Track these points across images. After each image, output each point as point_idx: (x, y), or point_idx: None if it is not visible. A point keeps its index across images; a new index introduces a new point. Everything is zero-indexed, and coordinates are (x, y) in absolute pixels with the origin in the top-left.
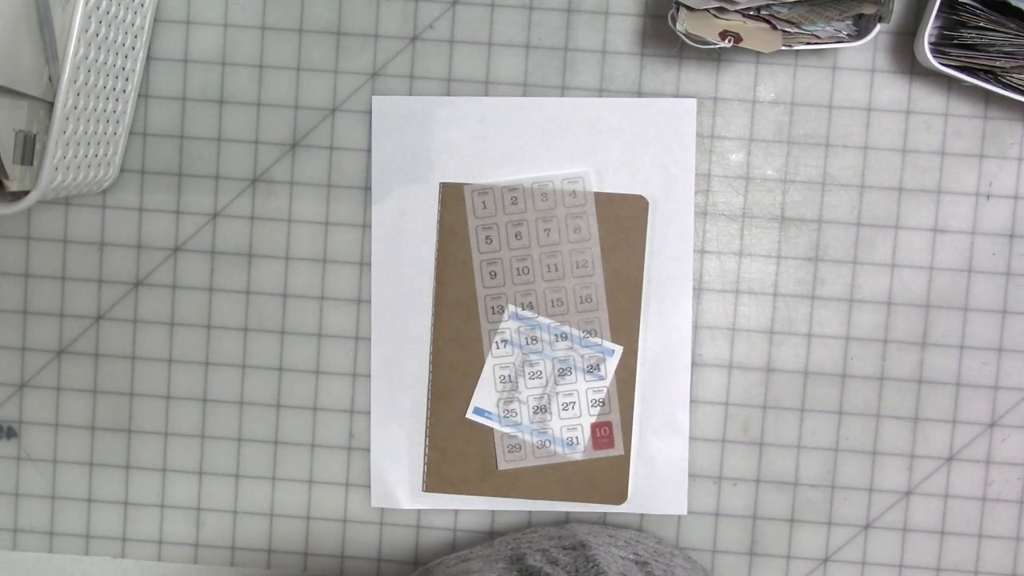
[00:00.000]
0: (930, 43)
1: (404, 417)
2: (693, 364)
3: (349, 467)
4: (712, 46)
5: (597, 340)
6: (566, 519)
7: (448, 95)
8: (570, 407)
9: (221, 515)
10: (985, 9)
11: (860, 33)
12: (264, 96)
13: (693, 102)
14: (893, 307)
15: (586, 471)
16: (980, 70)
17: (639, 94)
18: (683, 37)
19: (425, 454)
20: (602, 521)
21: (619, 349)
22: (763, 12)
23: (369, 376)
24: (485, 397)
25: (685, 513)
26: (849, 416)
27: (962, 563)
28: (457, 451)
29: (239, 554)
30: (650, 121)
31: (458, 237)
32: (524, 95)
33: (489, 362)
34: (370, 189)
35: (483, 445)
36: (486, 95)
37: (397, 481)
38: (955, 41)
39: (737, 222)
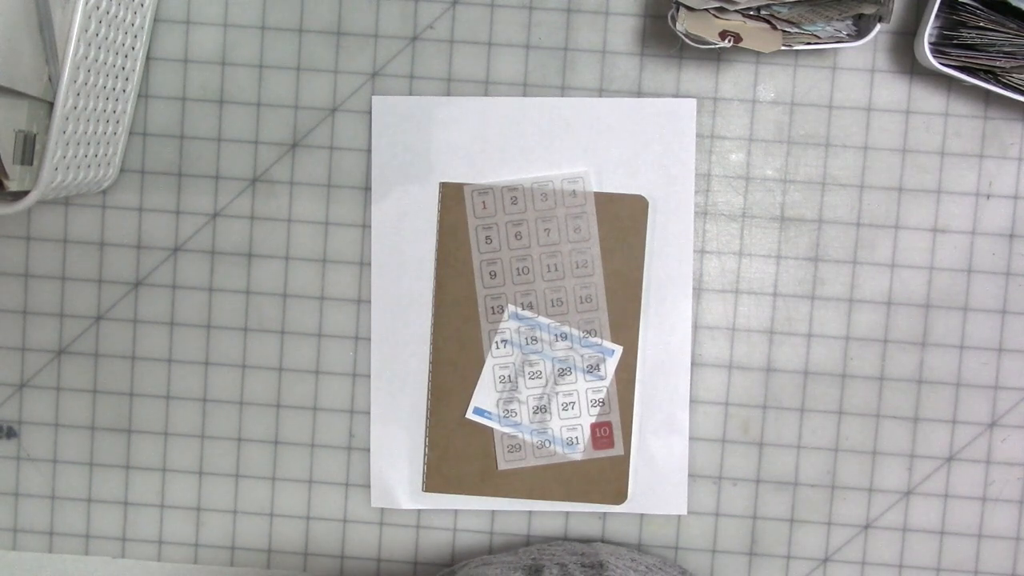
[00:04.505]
0: (930, 43)
1: (404, 417)
2: (693, 364)
3: (349, 467)
4: (712, 46)
5: (597, 340)
6: (566, 519)
7: (448, 95)
8: (570, 407)
9: (221, 515)
10: (985, 9)
11: (860, 33)
12: (264, 96)
13: (693, 102)
14: (893, 307)
15: (586, 471)
16: (980, 70)
17: (639, 94)
18: (683, 37)
19: (425, 454)
20: (602, 522)
21: (619, 349)
22: (763, 12)
23: (369, 376)
24: (485, 397)
25: (685, 513)
26: (849, 416)
27: (962, 563)
28: (457, 451)
29: (239, 554)
30: (650, 121)
31: (458, 237)
32: (524, 95)
33: (489, 362)
34: (370, 189)
35: (483, 445)
36: (486, 95)
37: (397, 481)
38: (955, 41)
39: (737, 222)
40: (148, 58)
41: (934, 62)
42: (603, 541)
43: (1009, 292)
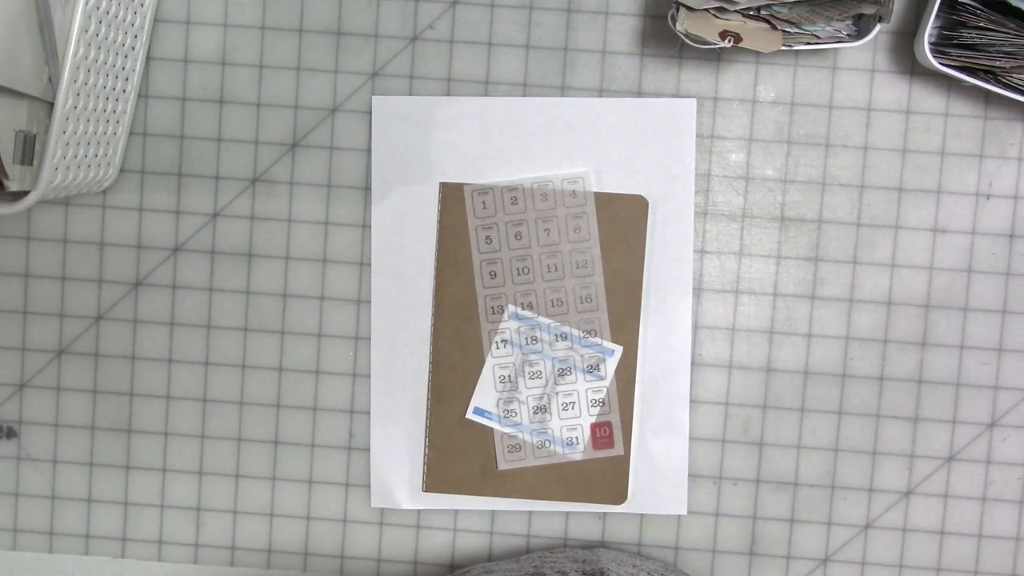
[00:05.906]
0: (930, 43)
1: (404, 417)
2: (693, 364)
3: (349, 467)
4: (712, 46)
5: (597, 340)
6: (566, 519)
7: (448, 95)
8: (570, 407)
9: (221, 515)
10: (985, 9)
11: (860, 33)
12: (264, 96)
13: (693, 102)
14: (893, 307)
15: (586, 471)
16: (980, 70)
17: (639, 94)
18: (683, 37)
19: (425, 454)
20: (602, 522)
21: (619, 349)
22: (763, 12)
23: (369, 376)
24: (485, 397)
25: (685, 513)
26: (849, 416)
27: (962, 563)
28: (457, 451)
29: (239, 554)
30: (650, 121)
31: (458, 237)
32: (524, 95)
33: (489, 362)
34: (370, 189)
35: (483, 445)
36: (486, 95)
37: (397, 481)
38: (955, 41)
39: (737, 222)
40: (148, 58)
41: (934, 62)
42: (604, 544)
43: (1009, 292)
